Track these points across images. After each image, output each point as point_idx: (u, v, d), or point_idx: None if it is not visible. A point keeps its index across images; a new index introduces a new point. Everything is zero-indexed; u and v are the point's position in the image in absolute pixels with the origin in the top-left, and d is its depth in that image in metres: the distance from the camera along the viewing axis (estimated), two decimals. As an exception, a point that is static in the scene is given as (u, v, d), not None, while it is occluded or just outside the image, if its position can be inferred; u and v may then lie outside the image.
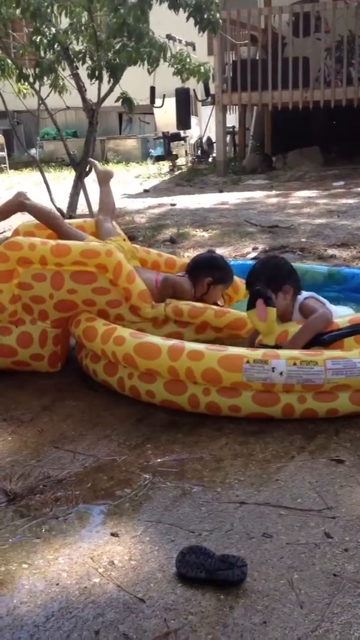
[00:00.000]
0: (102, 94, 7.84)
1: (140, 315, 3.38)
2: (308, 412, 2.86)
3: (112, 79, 7.50)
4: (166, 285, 3.56)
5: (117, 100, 8.30)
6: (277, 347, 2.98)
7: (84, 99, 7.87)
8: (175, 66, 7.85)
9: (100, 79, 7.44)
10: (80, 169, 7.63)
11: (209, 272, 3.62)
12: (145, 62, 7.08)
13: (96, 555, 2.05)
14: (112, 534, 2.15)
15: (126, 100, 7.59)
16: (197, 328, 3.37)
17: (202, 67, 7.92)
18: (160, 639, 1.71)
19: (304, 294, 3.20)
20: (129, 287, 3.36)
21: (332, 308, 3.18)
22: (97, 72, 7.35)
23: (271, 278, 3.13)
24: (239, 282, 3.90)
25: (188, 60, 7.85)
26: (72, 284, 3.31)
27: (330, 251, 5.91)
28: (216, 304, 3.55)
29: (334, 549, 2.04)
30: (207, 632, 1.73)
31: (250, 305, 3.04)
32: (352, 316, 3.09)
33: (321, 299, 3.22)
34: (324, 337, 2.95)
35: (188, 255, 5.90)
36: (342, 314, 3.18)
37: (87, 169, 7.50)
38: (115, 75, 7.42)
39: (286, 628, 1.74)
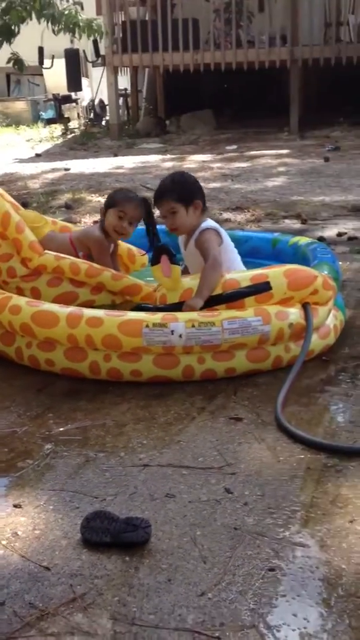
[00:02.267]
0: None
1: (30, 267, 3.29)
2: (207, 373, 2.92)
3: (5, 42, 7.19)
4: (77, 240, 3.52)
5: (8, 62, 7.98)
6: (179, 304, 3.00)
7: (-33, 59, 7.52)
8: (62, 24, 7.62)
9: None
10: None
11: (106, 200, 3.61)
12: (45, 21, 6.82)
13: (-1, 528, 2.03)
14: (15, 506, 2.13)
15: (17, 61, 7.33)
16: (93, 289, 3.34)
17: (93, 23, 7.73)
18: (67, 605, 1.72)
19: (208, 222, 3.22)
20: (19, 238, 3.28)
21: (229, 248, 3.26)
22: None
23: (182, 192, 3.17)
24: (136, 251, 3.89)
25: (79, 17, 7.65)
26: None
27: (225, 215, 5.99)
28: (121, 233, 3.47)
29: (234, 504, 2.11)
30: (113, 595, 1.76)
31: (155, 261, 3.03)
32: (254, 274, 3.08)
33: (222, 232, 3.24)
34: (223, 295, 2.98)
35: (85, 221, 5.82)
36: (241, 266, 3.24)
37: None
38: (9, 39, 7.13)
39: (190, 584, 1.79)
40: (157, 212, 3.50)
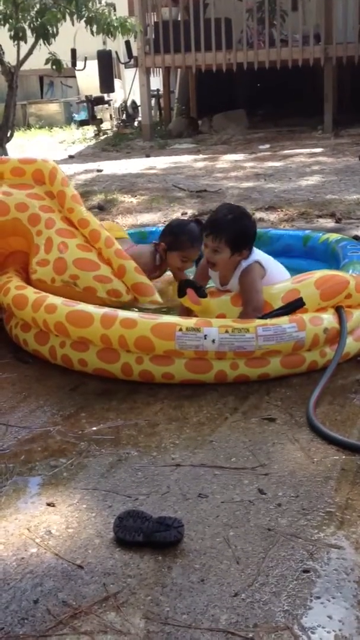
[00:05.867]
0: (22, 56, 7.60)
1: (72, 217, 3.44)
2: (240, 378, 2.90)
3: (45, 42, 7.26)
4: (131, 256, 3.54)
5: (46, 63, 8.05)
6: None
7: (1, 61, 7.61)
8: (96, 25, 7.66)
9: (24, 39, 7.19)
10: (1, 134, 7.42)
11: (163, 237, 3.64)
12: (78, 23, 6.88)
13: (33, 525, 2.05)
14: (49, 504, 2.15)
15: (55, 61, 7.39)
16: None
17: (127, 22, 7.76)
18: (100, 604, 1.72)
19: (252, 256, 3.15)
20: (64, 190, 3.49)
21: (276, 269, 3.23)
22: (20, 34, 7.11)
23: (237, 238, 3.07)
24: None
25: (113, 18, 7.68)
26: (8, 189, 3.48)
27: (258, 214, 5.96)
28: (181, 272, 3.61)
29: (267, 505, 2.10)
30: (146, 594, 1.76)
31: (181, 294, 3.06)
32: (285, 292, 3.05)
33: (264, 262, 3.17)
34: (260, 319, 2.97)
35: (117, 221, 5.84)
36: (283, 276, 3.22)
37: (8, 135, 7.29)
38: (47, 38, 7.19)
39: (223, 584, 1.78)
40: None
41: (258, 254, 3.20)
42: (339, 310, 3.02)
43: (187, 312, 3.16)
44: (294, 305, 2.96)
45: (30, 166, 3.64)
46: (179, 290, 3.08)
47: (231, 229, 3.08)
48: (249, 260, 3.13)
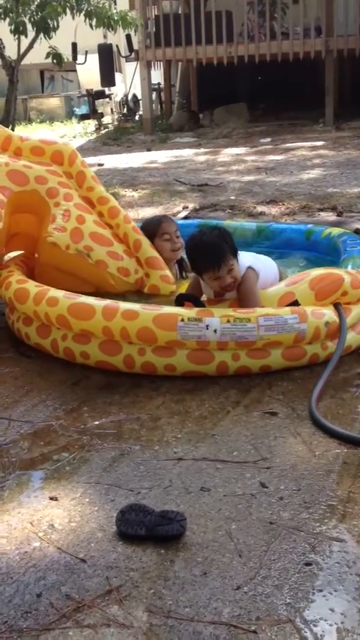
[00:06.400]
0: (22, 50, 7.59)
1: (91, 195, 3.52)
2: (242, 369, 2.90)
3: (45, 36, 7.24)
4: None
5: (47, 57, 8.02)
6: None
7: (2, 55, 7.59)
8: (96, 19, 7.64)
9: (25, 33, 7.17)
10: (3, 129, 7.40)
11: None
12: (78, 17, 6.87)
13: (35, 519, 2.05)
14: (51, 498, 2.15)
15: (56, 55, 7.36)
16: (125, 251, 3.47)
17: (128, 15, 7.73)
18: (102, 597, 1.73)
19: (243, 260, 3.13)
20: (84, 171, 3.56)
21: (264, 267, 3.22)
22: (20, 28, 7.09)
23: (231, 246, 3.09)
24: None
25: (113, 11, 7.66)
26: (28, 162, 3.54)
27: (260, 208, 5.95)
28: (176, 253, 3.60)
29: (269, 498, 2.10)
30: (148, 587, 1.76)
31: (179, 306, 3.05)
32: (281, 296, 3.05)
33: (254, 265, 3.17)
34: None
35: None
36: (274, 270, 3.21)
37: (9, 129, 7.28)
38: (47, 32, 7.17)
39: (225, 577, 1.79)
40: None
41: (245, 258, 3.18)
42: (336, 306, 3.03)
43: None
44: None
45: (50, 147, 3.69)
46: (176, 304, 3.09)
47: (224, 242, 3.08)
48: (242, 268, 3.11)
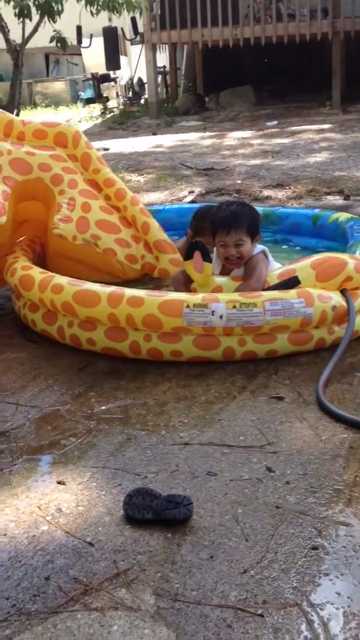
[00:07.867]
0: (27, 34, 7.54)
1: (98, 178, 3.48)
2: (248, 354, 2.90)
3: (50, 19, 7.19)
4: None
5: (51, 41, 7.97)
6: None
7: (7, 39, 7.55)
8: (100, 4, 7.59)
9: (29, 17, 7.13)
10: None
11: (190, 224, 3.61)
12: (86, 3, 6.81)
13: (43, 504, 2.06)
14: (59, 482, 2.16)
15: (60, 39, 7.31)
16: (133, 237, 3.47)
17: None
18: (110, 580, 1.74)
19: (258, 247, 3.22)
20: (89, 152, 3.52)
21: (273, 264, 3.25)
22: (25, 11, 7.04)
23: (252, 225, 3.16)
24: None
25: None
26: (31, 149, 3.50)
27: (266, 192, 5.93)
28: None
29: (275, 482, 2.11)
30: (155, 571, 1.77)
31: (188, 256, 3.05)
32: (281, 270, 3.11)
33: (267, 251, 3.24)
34: None
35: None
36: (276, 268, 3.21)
37: (14, 113, 7.25)
38: (51, 16, 7.12)
39: (232, 561, 1.80)
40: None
41: (263, 247, 3.23)
42: (343, 292, 3.02)
43: (183, 286, 3.15)
44: (290, 283, 2.98)
45: (53, 129, 3.66)
46: (187, 251, 3.09)
47: (246, 217, 3.15)
48: (257, 249, 3.16)
